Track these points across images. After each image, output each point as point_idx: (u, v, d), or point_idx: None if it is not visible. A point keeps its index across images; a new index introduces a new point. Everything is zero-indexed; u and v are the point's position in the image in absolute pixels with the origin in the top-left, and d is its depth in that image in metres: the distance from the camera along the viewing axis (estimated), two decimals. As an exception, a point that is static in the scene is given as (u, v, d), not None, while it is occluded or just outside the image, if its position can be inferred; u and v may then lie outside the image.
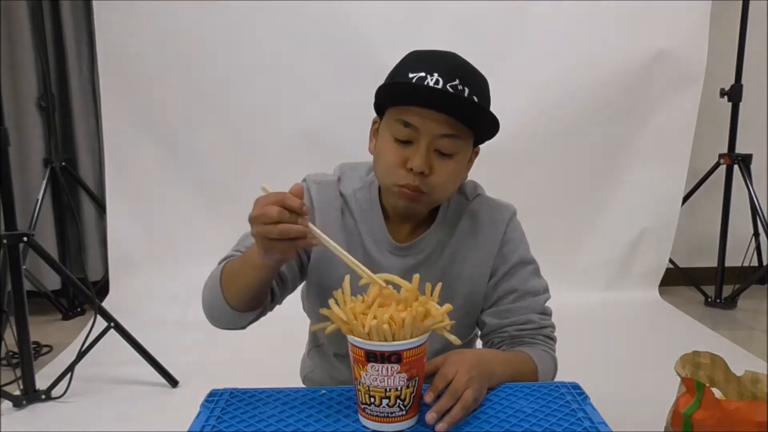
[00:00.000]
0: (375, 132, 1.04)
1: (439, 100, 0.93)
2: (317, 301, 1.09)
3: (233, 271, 0.96)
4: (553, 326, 1.10)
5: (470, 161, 1.04)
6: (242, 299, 0.96)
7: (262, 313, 1.03)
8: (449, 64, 0.95)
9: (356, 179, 1.10)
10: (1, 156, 1.86)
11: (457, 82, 0.92)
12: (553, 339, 1.10)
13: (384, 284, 0.82)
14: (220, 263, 1.04)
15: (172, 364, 2.08)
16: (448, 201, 1.08)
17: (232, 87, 2.71)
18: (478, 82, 0.96)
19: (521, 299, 1.07)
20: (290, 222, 0.79)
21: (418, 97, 0.93)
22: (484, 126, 0.97)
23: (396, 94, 0.96)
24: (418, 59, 0.97)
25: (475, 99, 0.94)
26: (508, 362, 0.96)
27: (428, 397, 0.81)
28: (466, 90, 0.93)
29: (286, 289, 1.06)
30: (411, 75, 0.93)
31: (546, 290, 1.11)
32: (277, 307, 1.08)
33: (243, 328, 1.03)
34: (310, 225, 0.81)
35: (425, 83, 0.92)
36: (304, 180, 1.11)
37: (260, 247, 0.83)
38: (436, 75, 0.92)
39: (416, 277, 0.82)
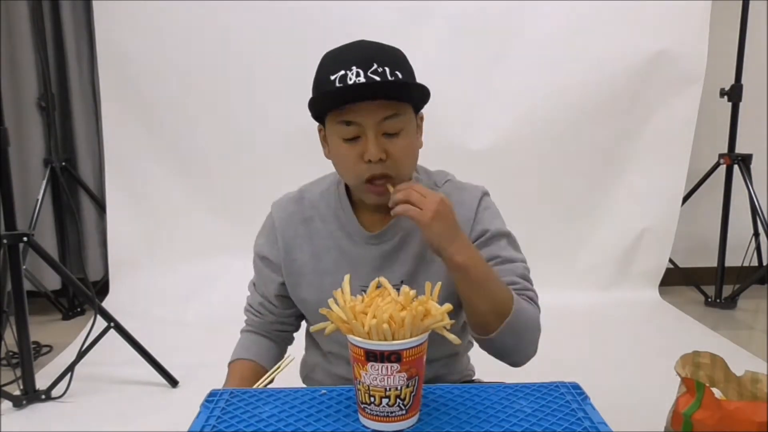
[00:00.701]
0: (324, 139, 1.07)
1: (365, 91, 0.95)
2: (302, 311, 1.16)
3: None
4: (535, 292, 1.08)
5: (419, 127, 1.07)
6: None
7: (284, 351, 1.21)
8: (362, 52, 0.97)
9: (318, 185, 1.14)
10: (1, 156, 1.86)
11: (375, 66, 0.94)
12: (537, 304, 1.06)
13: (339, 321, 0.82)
14: (245, 315, 1.21)
15: (172, 364, 2.08)
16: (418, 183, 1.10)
17: (232, 87, 2.71)
18: (394, 58, 0.99)
19: (501, 264, 1.06)
20: None
21: (346, 96, 0.96)
22: (415, 96, 1.00)
23: (327, 101, 0.99)
24: (332, 59, 0.99)
25: (398, 74, 0.96)
26: (479, 261, 0.96)
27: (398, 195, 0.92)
28: (386, 69, 0.95)
29: (299, 319, 1.20)
30: (332, 77, 0.96)
31: (524, 261, 1.10)
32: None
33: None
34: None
35: (348, 80, 0.94)
36: (270, 213, 1.16)
37: None
38: (354, 68, 0.94)
39: (347, 277, 0.85)
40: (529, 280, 1.08)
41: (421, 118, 1.07)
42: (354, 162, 0.99)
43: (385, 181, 0.99)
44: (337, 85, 0.95)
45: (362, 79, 0.94)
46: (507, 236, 1.10)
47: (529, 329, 1.01)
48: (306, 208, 1.12)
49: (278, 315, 1.17)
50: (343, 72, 0.95)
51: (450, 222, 0.94)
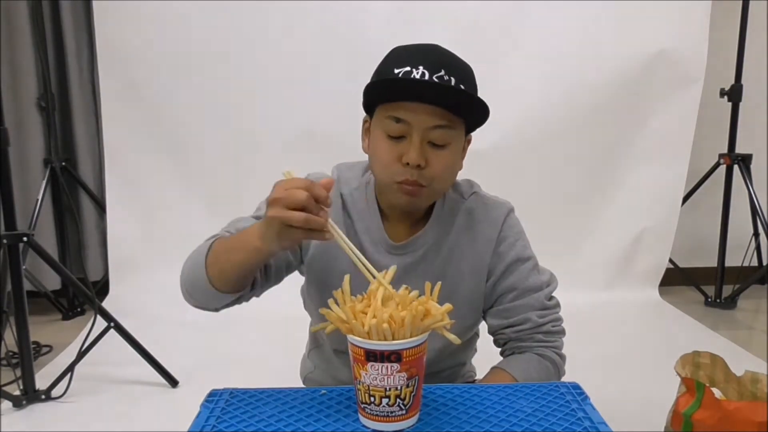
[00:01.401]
0: (367, 131, 1.04)
1: (426, 92, 0.93)
2: (318, 298, 1.08)
3: (224, 248, 0.95)
4: (556, 320, 1.09)
5: (464, 150, 1.05)
6: (226, 279, 0.94)
7: (239, 301, 1.01)
8: (433, 56, 0.95)
9: (353, 180, 1.10)
10: (1, 156, 1.86)
11: (442, 72, 0.92)
12: (556, 332, 1.09)
13: (392, 289, 0.81)
14: (207, 240, 1.03)
15: (172, 364, 2.08)
16: (444, 198, 1.08)
17: (232, 87, 2.71)
18: (463, 71, 0.97)
19: (520, 297, 1.07)
20: (314, 212, 0.78)
21: (405, 91, 0.94)
22: (474, 113, 0.98)
23: (384, 90, 0.97)
24: (401, 54, 0.97)
25: (463, 87, 0.94)
26: None
27: None
28: (452, 79, 0.93)
29: (268, 281, 1.04)
30: (396, 71, 0.93)
31: (548, 284, 1.10)
32: (277, 307, 1.08)
33: (216, 310, 1.02)
34: (330, 221, 0.81)
35: (411, 77, 0.92)
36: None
37: (273, 231, 0.81)
38: (421, 68, 0.92)
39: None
40: (548, 308, 1.09)
41: (469, 141, 1.05)
42: (392, 161, 0.96)
43: (419, 189, 0.97)
44: (401, 77, 0.92)
45: (427, 78, 0.92)
46: (527, 259, 1.09)
47: (542, 377, 1.04)
48: (342, 200, 1.08)
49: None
50: (408, 68, 0.92)
51: None
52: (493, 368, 1.05)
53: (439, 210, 1.08)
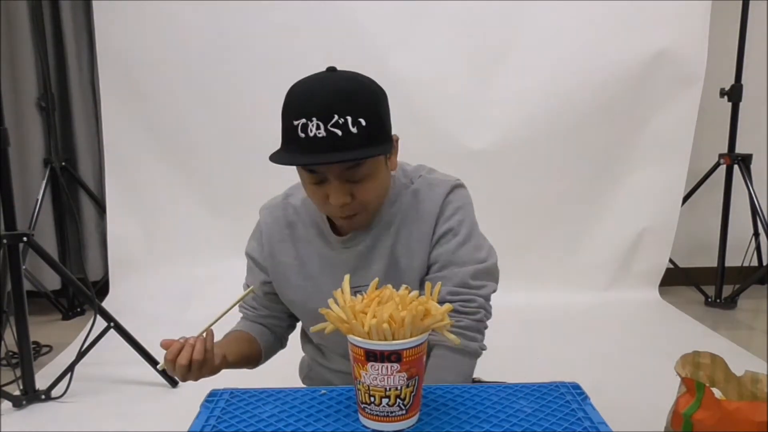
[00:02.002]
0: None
1: (327, 163, 0.95)
2: (291, 310, 1.20)
3: None
4: (470, 300, 1.05)
5: (391, 157, 1.05)
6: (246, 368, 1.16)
7: (282, 345, 1.26)
8: (321, 98, 0.94)
9: (302, 190, 1.12)
10: (1, 156, 1.86)
11: (336, 118, 0.92)
12: (464, 312, 1.04)
13: (350, 302, 0.81)
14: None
15: (172, 364, 2.08)
16: (393, 184, 1.10)
17: (232, 87, 2.71)
18: (357, 103, 0.94)
19: (441, 270, 1.06)
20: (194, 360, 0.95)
21: (309, 166, 0.97)
22: (380, 138, 0.97)
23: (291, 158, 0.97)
24: (297, 99, 0.96)
25: (362, 121, 0.93)
26: None
27: None
28: (348, 119, 0.92)
29: (291, 316, 1.22)
30: (295, 123, 0.94)
31: (482, 261, 1.08)
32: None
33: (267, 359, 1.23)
34: (189, 340, 0.97)
35: (309, 130, 0.92)
36: (260, 211, 1.19)
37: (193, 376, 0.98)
38: (314, 119, 0.92)
39: (347, 277, 0.85)
40: (469, 286, 1.06)
41: (396, 140, 1.05)
42: (322, 201, 1.01)
43: (355, 216, 1.02)
44: (300, 133, 0.93)
45: (322, 133, 0.92)
46: (457, 234, 1.07)
47: (459, 376, 1.03)
48: (290, 213, 1.15)
49: (270, 309, 1.20)
50: (304, 120, 0.93)
51: None
52: None
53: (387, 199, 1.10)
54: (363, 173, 0.98)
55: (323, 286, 1.07)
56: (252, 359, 1.17)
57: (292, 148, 0.95)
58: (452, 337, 0.81)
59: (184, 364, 0.93)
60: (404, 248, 1.08)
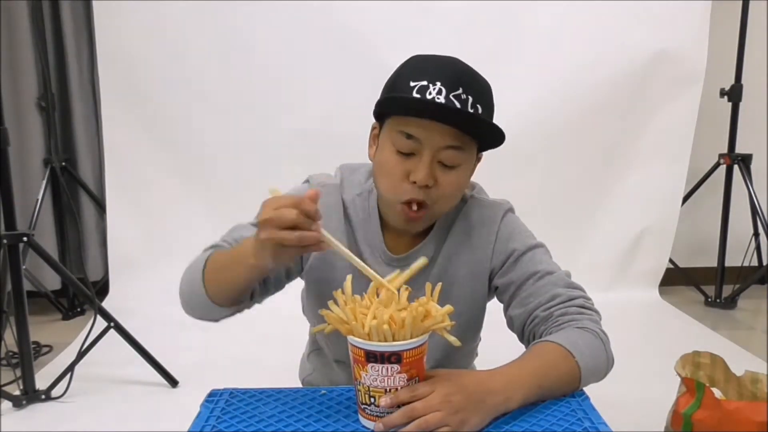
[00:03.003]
0: (375, 138, 1.01)
1: (442, 113, 0.90)
2: (317, 304, 1.06)
3: (220, 264, 0.94)
4: (586, 297, 1.00)
5: (473, 168, 1.02)
6: (224, 295, 0.93)
7: (239, 310, 1.00)
8: (452, 71, 0.92)
9: (356, 184, 1.08)
10: (1, 156, 1.86)
11: (460, 91, 0.90)
12: (591, 308, 0.98)
13: (395, 291, 0.81)
14: (205, 251, 1.01)
15: (172, 364, 2.08)
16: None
17: (232, 87, 2.71)
18: (482, 90, 0.94)
19: (541, 279, 0.99)
20: (306, 228, 0.76)
21: (420, 110, 0.91)
22: (488, 136, 0.95)
23: (399, 104, 0.94)
24: (419, 66, 0.94)
25: (479, 108, 0.92)
26: (524, 380, 0.83)
27: (383, 401, 0.76)
28: (470, 99, 0.90)
29: (268, 290, 1.03)
30: (412, 84, 0.90)
31: (562, 270, 1.03)
32: (278, 307, 1.07)
33: (216, 320, 1.00)
34: (323, 231, 0.79)
35: (428, 93, 0.89)
36: (307, 181, 1.09)
37: (268, 251, 0.80)
38: (438, 84, 0.89)
39: (349, 277, 0.82)
40: (574, 286, 1.01)
41: (479, 159, 1.02)
42: (399, 177, 0.93)
43: (422, 212, 0.95)
44: (415, 94, 0.89)
45: (442, 99, 0.88)
46: (537, 247, 1.04)
47: (599, 362, 0.91)
48: (344, 205, 1.06)
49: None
50: (425, 83, 0.89)
51: (467, 393, 0.78)
52: (532, 344, 0.93)
53: (440, 222, 1.06)
54: (457, 160, 0.93)
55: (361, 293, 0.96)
56: (245, 296, 0.97)
57: (401, 104, 0.91)
58: (452, 339, 0.81)
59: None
60: (456, 277, 1.04)
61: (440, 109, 0.89)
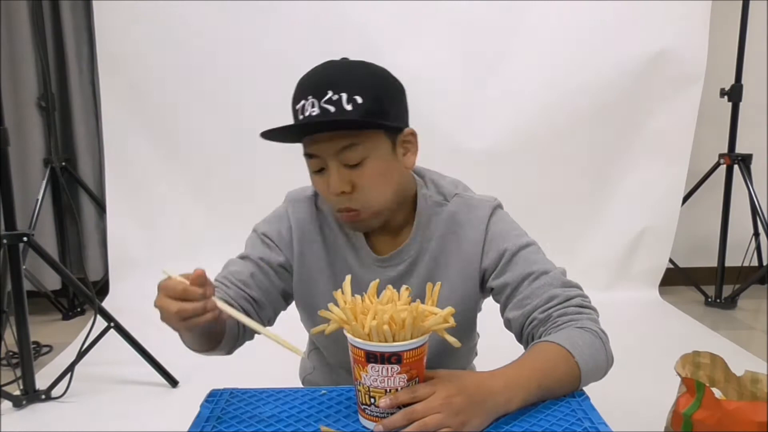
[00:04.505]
0: None
1: (316, 126, 0.91)
2: (306, 318, 1.12)
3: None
4: (583, 296, 0.99)
5: (404, 147, 0.99)
6: (198, 347, 0.94)
7: (241, 341, 1.01)
8: (318, 78, 0.93)
9: None
10: (1, 156, 1.86)
11: (330, 94, 0.90)
12: (589, 307, 0.98)
13: (298, 351, 0.81)
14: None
15: (172, 364, 2.08)
16: (426, 202, 1.05)
17: (232, 87, 2.71)
18: (356, 81, 0.92)
19: (536, 280, 0.98)
20: (190, 310, 0.77)
21: (299, 131, 0.93)
22: (377, 117, 0.92)
23: (287, 136, 0.95)
24: (298, 86, 0.95)
25: (358, 99, 0.90)
26: (524, 380, 0.83)
27: (383, 402, 0.76)
28: (343, 96, 0.89)
29: (266, 312, 1.04)
30: (296, 107, 0.93)
31: (556, 268, 1.02)
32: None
33: (229, 353, 1.01)
34: (216, 300, 0.80)
35: (305, 111, 0.91)
36: (285, 200, 1.12)
37: (174, 326, 0.82)
38: (310, 98, 0.91)
39: (348, 277, 0.84)
40: (571, 285, 1.00)
41: (412, 134, 1.00)
42: (325, 194, 0.97)
43: (354, 213, 0.96)
44: (299, 117, 0.92)
45: (316, 110, 0.90)
46: (528, 245, 1.03)
47: (599, 361, 0.91)
48: (319, 215, 1.08)
49: (263, 292, 1.04)
50: (303, 102, 0.92)
51: (467, 394, 0.78)
52: (532, 344, 0.93)
53: (419, 217, 1.05)
54: (361, 155, 0.92)
55: None
56: (220, 337, 0.95)
57: (291, 131, 0.93)
58: (452, 339, 0.81)
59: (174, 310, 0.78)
60: (445, 278, 1.01)
61: (311, 123, 0.90)
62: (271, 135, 0.92)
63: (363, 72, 0.95)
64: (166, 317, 0.80)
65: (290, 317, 1.32)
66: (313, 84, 0.92)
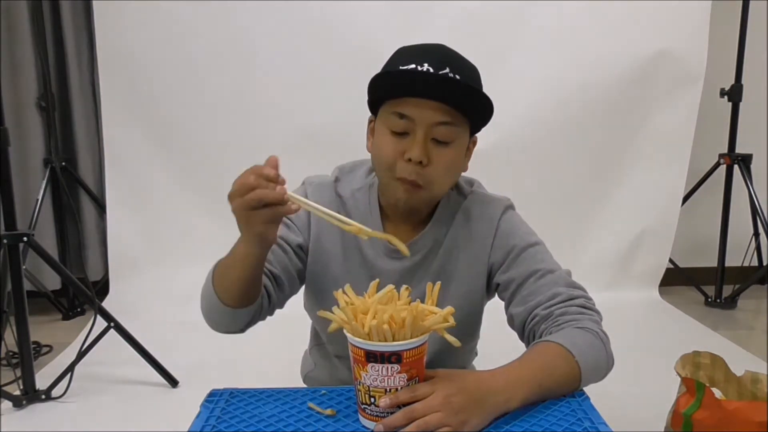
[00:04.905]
0: (372, 130, 1.03)
1: (432, 88, 0.92)
2: (315, 302, 1.10)
3: (222, 268, 0.96)
4: (587, 297, 1.00)
5: (468, 150, 1.03)
6: (233, 294, 0.94)
7: (260, 316, 1.01)
8: (438, 54, 0.95)
9: (355, 180, 1.10)
10: (1, 156, 1.86)
11: (447, 70, 0.92)
12: (592, 308, 0.98)
13: (369, 233, 0.82)
14: (211, 268, 1.03)
15: (172, 364, 2.08)
16: (447, 199, 1.07)
17: (232, 87, 2.71)
18: (468, 70, 0.96)
19: (542, 277, 1.00)
20: (264, 188, 0.79)
21: (410, 85, 0.93)
22: (479, 111, 0.97)
23: (389, 86, 0.96)
24: (406, 53, 0.97)
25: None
26: (524, 380, 0.83)
27: (383, 402, 0.76)
28: (457, 77, 0.93)
29: (283, 291, 1.05)
30: (402, 68, 0.93)
31: (562, 269, 1.04)
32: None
33: (242, 330, 1.02)
34: (289, 192, 0.81)
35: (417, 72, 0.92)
36: (303, 183, 1.12)
37: (241, 223, 0.83)
38: (426, 65, 0.92)
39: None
40: (575, 286, 1.01)
41: (474, 142, 1.04)
42: (394, 157, 0.95)
43: (418, 187, 0.95)
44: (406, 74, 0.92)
45: (432, 73, 0.91)
46: (536, 244, 1.04)
47: (600, 362, 0.91)
48: (341, 199, 1.08)
49: (281, 268, 1.03)
50: (414, 66, 0.92)
51: (467, 394, 0.78)
52: (532, 344, 0.93)
53: (440, 211, 1.07)
54: (450, 136, 0.95)
55: (357, 287, 0.92)
56: (255, 293, 0.96)
57: (391, 79, 0.94)
58: (452, 339, 0.81)
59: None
60: (454, 272, 1.04)
61: (429, 81, 0.92)
62: (377, 79, 0.94)
63: (473, 66, 0.98)
64: (241, 202, 0.79)
65: (290, 317, 1.33)
66: (431, 55, 0.94)
